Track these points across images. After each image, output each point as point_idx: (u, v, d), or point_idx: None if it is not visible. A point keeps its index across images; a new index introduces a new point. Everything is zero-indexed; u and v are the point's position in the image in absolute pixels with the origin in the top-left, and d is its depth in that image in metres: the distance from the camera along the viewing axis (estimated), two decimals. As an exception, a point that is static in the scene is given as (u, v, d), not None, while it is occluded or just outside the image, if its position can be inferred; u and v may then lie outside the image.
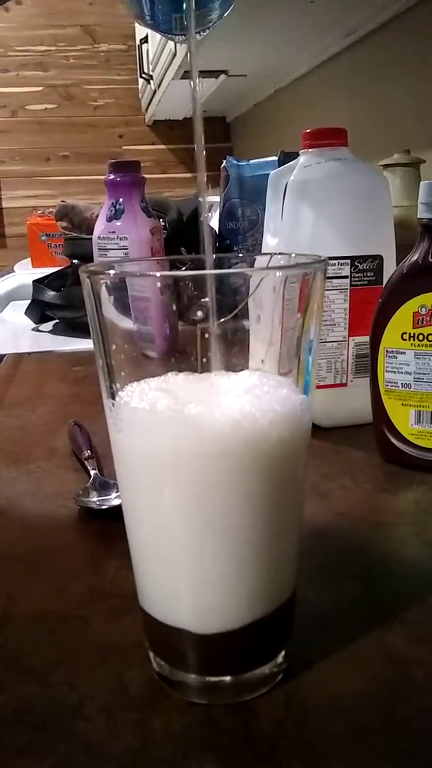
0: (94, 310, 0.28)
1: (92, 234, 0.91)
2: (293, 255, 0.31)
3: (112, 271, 0.29)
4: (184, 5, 0.36)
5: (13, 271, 1.96)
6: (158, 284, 0.28)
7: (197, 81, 0.33)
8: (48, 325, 1.25)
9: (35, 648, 0.34)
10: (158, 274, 0.28)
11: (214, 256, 0.32)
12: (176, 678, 0.31)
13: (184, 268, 0.34)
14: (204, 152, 0.32)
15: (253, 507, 0.28)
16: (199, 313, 0.28)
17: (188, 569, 0.29)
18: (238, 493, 0.28)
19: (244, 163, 1.06)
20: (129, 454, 0.29)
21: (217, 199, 1.12)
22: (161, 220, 1.02)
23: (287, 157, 0.84)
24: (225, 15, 0.42)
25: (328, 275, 0.59)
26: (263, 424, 0.27)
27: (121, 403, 0.29)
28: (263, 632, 0.30)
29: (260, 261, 0.36)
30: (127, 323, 0.28)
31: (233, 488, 0.28)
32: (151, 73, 2.16)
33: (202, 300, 0.28)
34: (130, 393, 0.29)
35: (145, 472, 0.29)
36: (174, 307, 0.28)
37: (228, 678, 0.30)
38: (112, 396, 0.30)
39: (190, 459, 0.27)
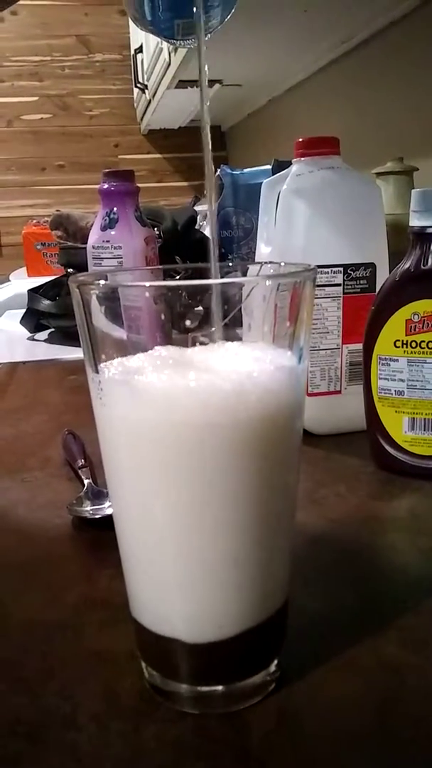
0: (84, 319, 0.28)
1: (87, 243, 0.91)
2: (282, 264, 0.32)
3: (101, 281, 0.29)
4: (194, 10, 0.36)
5: (9, 281, 1.96)
6: (147, 294, 0.28)
7: (206, 89, 0.33)
8: (43, 334, 1.25)
9: (28, 658, 0.34)
10: (147, 284, 0.28)
11: (203, 265, 0.32)
12: (168, 688, 0.30)
13: (178, 278, 0.34)
14: (212, 161, 0.32)
15: (244, 485, 0.28)
16: (188, 322, 0.28)
17: (177, 571, 0.29)
18: (228, 467, 0.27)
19: (238, 172, 1.07)
20: (113, 428, 0.29)
21: (211, 207, 1.12)
22: (156, 229, 1.02)
23: (281, 166, 0.85)
24: (226, 20, 0.42)
25: (321, 283, 0.60)
26: (254, 390, 0.27)
27: (104, 376, 0.29)
28: (255, 641, 0.30)
29: (252, 270, 0.36)
30: (117, 333, 0.28)
31: (222, 463, 0.27)
32: (145, 82, 2.17)
33: (195, 309, 0.28)
34: (115, 365, 0.29)
35: (130, 447, 0.28)
36: (164, 317, 0.28)
37: (220, 687, 0.30)
38: (96, 370, 0.29)
39: (177, 428, 0.27)
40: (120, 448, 0.29)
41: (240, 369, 0.28)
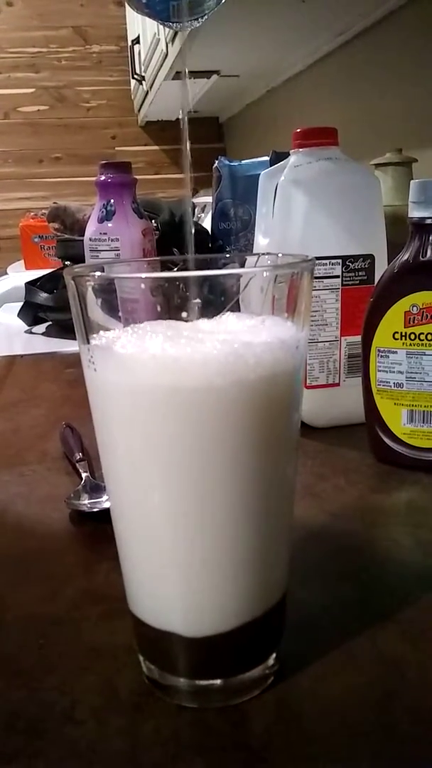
0: (79, 312, 0.28)
1: (84, 235, 0.91)
2: (280, 255, 0.31)
3: (96, 273, 0.29)
4: None
5: (6, 273, 1.95)
6: (143, 285, 0.28)
7: (186, 74, 0.32)
8: (41, 327, 1.25)
9: (26, 652, 0.34)
10: (143, 275, 0.27)
11: (200, 256, 0.32)
12: (166, 682, 0.30)
13: (175, 269, 0.34)
14: (189, 147, 0.31)
15: (242, 455, 0.27)
16: (185, 314, 0.28)
17: (174, 563, 0.29)
18: (226, 433, 0.26)
19: (236, 164, 1.06)
20: (106, 395, 0.28)
21: (209, 199, 1.12)
22: (153, 221, 1.01)
23: (279, 157, 0.84)
24: (223, 2, 0.42)
25: (319, 275, 0.60)
26: (252, 352, 0.26)
27: (96, 344, 0.28)
28: (254, 635, 0.30)
29: (250, 261, 0.36)
30: (113, 326, 0.28)
31: (220, 427, 0.26)
32: (143, 74, 2.16)
33: (192, 301, 0.28)
34: (107, 335, 0.28)
35: (124, 415, 0.27)
36: (161, 309, 0.28)
37: (218, 681, 0.30)
38: (87, 342, 0.28)
39: (173, 391, 0.26)
40: (114, 417, 0.28)
41: (237, 333, 0.27)
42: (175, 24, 0.42)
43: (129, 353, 0.27)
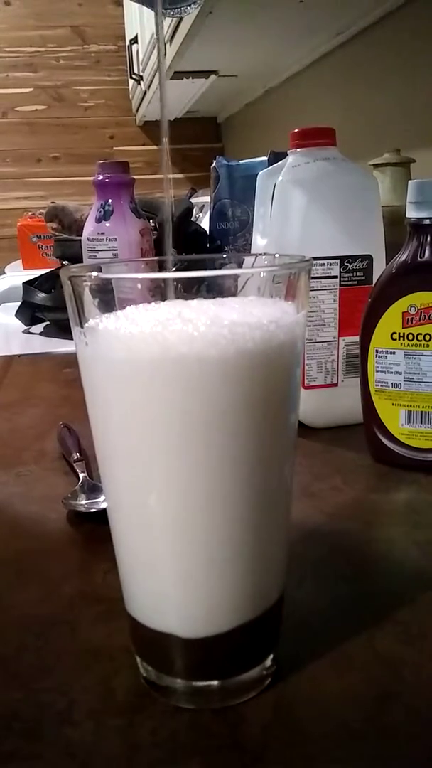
0: (76, 313, 0.28)
1: (82, 235, 0.91)
2: (277, 255, 0.31)
3: (93, 273, 0.29)
4: None
5: (4, 273, 1.95)
6: (139, 286, 0.28)
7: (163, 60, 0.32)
8: (39, 327, 1.25)
9: (23, 653, 0.34)
10: (140, 275, 0.27)
11: (198, 256, 0.32)
12: (163, 683, 0.30)
13: (174, 269, 0.34)
14: (167, 139, 0.31)
15: (238, 434, 0.26)
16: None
17: (170, 563, 0.29)
18: (220, 408, 0.26)
19: (234, 164, 1.06)
20: (99, 371, 0.28)
21: (207, 199, 1.12)
22: (151, 220, 1.01)
23: (277, 157, 0.84)
24: None
25: (317, 275, 0.60)
26: (245, 325, 0.26)
27: (89, 324, 0.28)
28: (251, 635, 0.30)
29: (247, 262, 0.36)
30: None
31: (215, 401, 0.26)
32: (141, 73, 2.16)
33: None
34: (102, 317, 0.28)
35: (118, 390, 0.27)
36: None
37: (215, 682, 0.30)
38: (81, 326, 0.28)
39: (166, 364, 0.25)
40: (105, 394, 0.28)
41: (232, 308, 0.27)
42: (168, 11, 0.42)
43: (120, 324, 0.26)
